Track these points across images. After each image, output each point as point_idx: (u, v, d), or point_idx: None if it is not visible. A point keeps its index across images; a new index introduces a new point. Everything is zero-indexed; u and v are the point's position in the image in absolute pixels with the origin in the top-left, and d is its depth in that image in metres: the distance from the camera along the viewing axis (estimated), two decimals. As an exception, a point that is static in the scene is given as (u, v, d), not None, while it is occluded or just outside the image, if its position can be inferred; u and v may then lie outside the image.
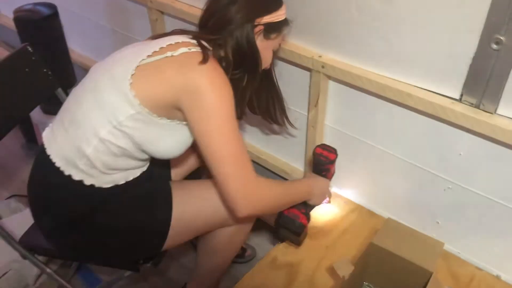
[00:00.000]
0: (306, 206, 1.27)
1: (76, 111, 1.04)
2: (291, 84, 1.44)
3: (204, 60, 0.98)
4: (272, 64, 1.26)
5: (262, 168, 1.72)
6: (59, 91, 1.40)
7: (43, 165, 1.07)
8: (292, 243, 1.37)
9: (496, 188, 1.17)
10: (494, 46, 0.99)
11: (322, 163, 1.30)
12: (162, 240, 1.13)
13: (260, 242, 1.73)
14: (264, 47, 1.13)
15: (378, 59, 1.20)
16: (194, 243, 1.56)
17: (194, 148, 1.32)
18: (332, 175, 1.35)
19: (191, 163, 1.39)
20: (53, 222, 1.10)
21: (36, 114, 2.17)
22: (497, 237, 1.23)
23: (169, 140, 1.06)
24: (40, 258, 1.28)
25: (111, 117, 0.98)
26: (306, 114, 1.45)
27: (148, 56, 0.99)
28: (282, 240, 1.38)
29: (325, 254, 1.35)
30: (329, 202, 1.42)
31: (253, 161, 1.70)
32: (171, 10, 1.61)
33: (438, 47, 1.08)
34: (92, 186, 1.04)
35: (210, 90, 0.97)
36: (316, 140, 1.45)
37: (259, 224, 1.76)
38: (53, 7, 1.83)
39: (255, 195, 1.05)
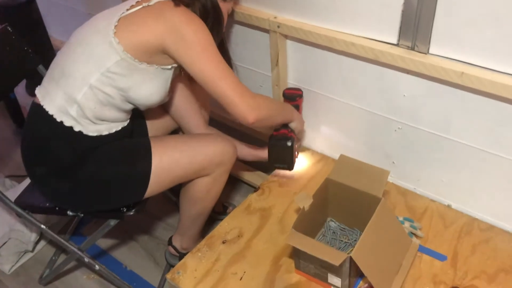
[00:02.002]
0: (291, 130, 1.43)
1: (65, 63, 1.18)
2: (253, 47, 1.57)
3: (177, 4, 1.15)
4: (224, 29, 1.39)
5: (235, 132, 1.85)
6: (41, 67, 1.51)
7: (36, 115, 1.21)
8: (285, 163, 1.47)
9: (439, 123, 1.29)
10: (418, -9, 1.12)
11: (293, 97, 1.48)
12: (144, 188, 1.26)
13: (241, 200, 1.87)
14: (223, 8, 1.28)
15: (324, 14, 1.33)
16: (177, 204, 1.69)
17: (168, 111, 1.46)
18: (301, 113, 1.52)
19: (168, 124, 1.52)
20: (43, 170, 1.23)
21: (23, 97, 2.30)
22: (445, 170, 1.37)
23: (149, 85, 1.20)
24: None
25: (99, 64, 1.13)
26: (270, 74, 1.58)
27: (127, 9, 1.16)
28: (275, 162, 1.47)
29: (293, 199, 1.48)
30: (297, 156, 1.57)
31: (228, 126, 1.83)
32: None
33: (373, -3, 1.21)
34: (80, 132, 1.19)
35: (188, 24, 1.14)
36: (281, 98, 1.58)
37: (239, 183, 1.90)
38: (30, -7, 1.95)
39: (255, 102, 1.21)
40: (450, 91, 1.21)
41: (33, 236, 1.70)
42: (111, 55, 1.13)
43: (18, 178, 1.99)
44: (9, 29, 1.44)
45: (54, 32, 2.36)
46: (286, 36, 1.46)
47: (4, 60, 1.42)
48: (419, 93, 1.28)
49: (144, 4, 1.16)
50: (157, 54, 1.17)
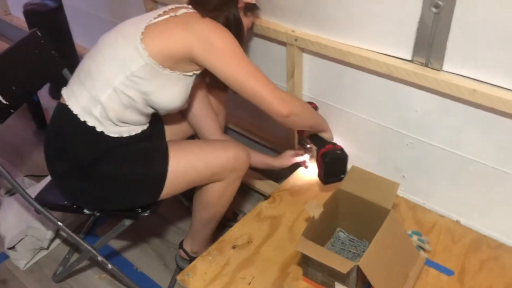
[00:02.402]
0: (334, 143, 1.46)
1: (91, 65, 1.24)
2: (270, 59, 1.61)
3: (203, 15, 1.23)
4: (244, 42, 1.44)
5: (249, 141, 1.89)
6: (65, 71, 1.58)
7: (61, 113, 1.27)
8: (340, 174, 1.45)
9: (450, 139, 1.31)
10: (434, 10, 1.15)
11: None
12: (159, 190, 1.30)
13: (251, 208, 1.89)
14: (244, 23, 1.35)
15: (341, 29, 1.37)
16: (190, 208, 1.72)
17: (186, 117, 1.51)
18: None
19: (185, 130, 1.57)
20: (64, 166, 1.28)
21: (46, 100, 2.37)
22: (455, 185, 1.38)
23: (170, 90, 1.26)
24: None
25: (125, 68, 1.19)
26: (285, 86, 1.62)
27: (155, 18, 1.22)
28: (331, 177, 1.46)
29: (304, 208, 1.50)
30: (306, 167, 1.60)
31: (242, 134, 1.87)
32: (164, -1, 1.79)
33: (389, 14, 1.24)
34: (101, 133, 1.24)
35: (215, 32, 1.21)
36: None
37: (250, 191, 1.93)
38: (58, 1, 2.03)
39: (288, 96, 1.30)
40: (462, 108, 1.23)
41: (49, 234, 1.74)
42: (136, 60, 1.18)
43: (36, 178, 2.04)
44: (38, 33, 1.51)
45: (78, 38, 2.44)
46: (302, 49, 1.50)
47: (31, 63, 1.49)
48: (432, 109, 1.30)
49: (172, 14, 1.23)
50: (181, 62, 1.22)
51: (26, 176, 2.09)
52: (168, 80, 1.23)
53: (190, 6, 1.29)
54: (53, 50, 1.54)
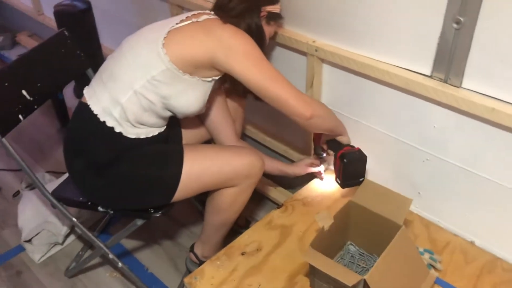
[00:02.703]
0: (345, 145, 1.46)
1: (114, 68, 1.27)
2: (291, 69, 1.62)
3: (225, 21, 1.24)
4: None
5: (267, 149, 1.89)
6: (89, 71, 1.62)
7: (82, 112, 1.30)
8: (360, 177, 1.45)
9: (467, 157, 1.29)
10: (455, 26, 1.14)
11: None
12: (172, 192, 1.32)
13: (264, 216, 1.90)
14: (266, 32, 1.37)
15: (361, 41, 1.37)
16: (203, 213, 1.74)
17: (203, 122, 1.52)
18: None
19: (202, 134, 1.59)
20: (82, 164, 1.31)
21: (70, 99, 2.43)
22: (472, 205, 1.35)
23: (189, 95, 1.27)
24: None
25: (146, 71, 1.21)
26: (304, 95, 1.62)
27: (177, 23, 1.24)
28: (350, 179, 1.46)
29: (315, 218, 1.50)
30: (322, 179, 1.60)
31: (259, 143, 1.88)
32: (189, 5, 1.82)
33: (410, 28, 1.24)
34: (120, 133, 1.26)
35: (236, 38, 1.22)
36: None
37: (264, 199, 1.93)
38: (87, 2, 2.09)
39: (310, 99, 1.33)
40: (480, 126, 1.21)
41: (64, 230, 1.78)
42: (158, 64, 1.20)
43: (56, 174, 2.10)
44: (66, 33, 1.55)
45: (105, 40, 2.50)
46: (322, 60, 1.50)
47: (57, 61, 1.53)
48: (449, 126, 1.29)
49: (194, 20, 1.25)
50: (202, 67, 1.24)
51: (47, 172, 2.15)
52: (187, 85, 1.25)
53: (212, 12, 1.31)
54: (79, 50, 1.58)
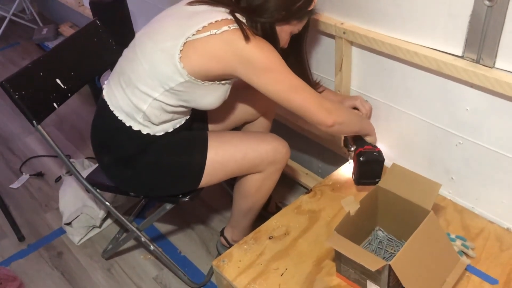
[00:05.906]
0: (374, 145, 1.46)
1: (132, 74, 1.24)
2: (319, 52, 1.60)
3: (246, 37, 1.15)
4: (304, 43, 1.42)
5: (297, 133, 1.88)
6: (121, 59, 1.65)
7: (106, 115, 1.31)
8: (375, 178, 1.45)
9: (502, 141, 1.24)
10: (487, 3, 1.08)
11: None
12: (198, 178, 1.34)
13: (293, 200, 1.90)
14: (282, 30, 1.27)
15: (389, 22, 1.32)
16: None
17: (229, 110, 1.52)
18: None
19: (228, 123, 1.59)
20: (110, 159, 1.36)
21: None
22: (507, 191, 1.30)
23: (210, 97, 1.27)
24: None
25: (164, 83, 1.20)
26: (333, 79, 1.60)
27: (193, 34, 1.15)
28: (364, 178, 1.47)
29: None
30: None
31: (288, 127, 1.87)
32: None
33: (440, 7, 1.19)
34: (147, 134, 1.29)
35: (256, 52, 1.17)
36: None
37: (296, 185, 1.93)
38: (121, -8, 2.14)
39: (332, 106, 1.30)
40: (515, 108, 1.16)
41: (101, 214, 1.85)
42: (176, 77, 1.18)
43: (95, 160, 2.16)
44: (98, 22, 1.59)
45: (140, 28, 2.54)
46: (351, 43, 1.47)
47: (90, 50, 1.57)
48: (482, 108, 1.23)
49: (212, 32, 1.15)
50: (221, 77, 1.23)
51: (87, 158, 2.23)
52: (207, 90, 1.24)
53: (230, 18, 1.18)
54: (112, 39, 1.62)
